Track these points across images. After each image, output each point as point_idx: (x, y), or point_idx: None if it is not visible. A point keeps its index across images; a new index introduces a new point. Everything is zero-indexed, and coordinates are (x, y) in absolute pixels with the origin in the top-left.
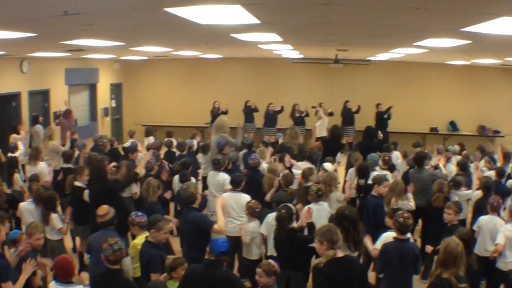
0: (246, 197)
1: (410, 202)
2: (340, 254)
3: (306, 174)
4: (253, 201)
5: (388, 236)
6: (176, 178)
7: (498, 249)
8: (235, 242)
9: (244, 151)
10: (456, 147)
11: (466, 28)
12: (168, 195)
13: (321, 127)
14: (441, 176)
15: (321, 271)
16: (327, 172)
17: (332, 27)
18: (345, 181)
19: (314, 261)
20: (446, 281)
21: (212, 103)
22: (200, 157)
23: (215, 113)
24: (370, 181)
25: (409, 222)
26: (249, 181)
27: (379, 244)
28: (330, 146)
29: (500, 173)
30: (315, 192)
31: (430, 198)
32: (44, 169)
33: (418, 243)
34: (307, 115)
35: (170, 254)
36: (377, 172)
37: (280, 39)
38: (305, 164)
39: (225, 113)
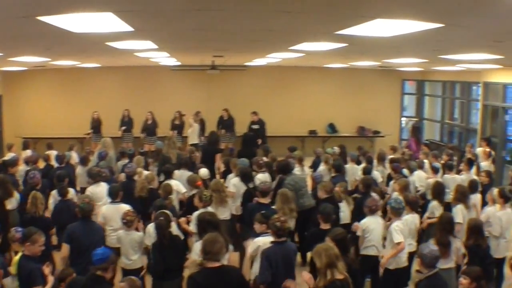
0: (126, 207)
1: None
2: (214, 264)
3: (191, 182)
4: (128, 210)
5: (260, 240)
6: (55, 191)
7: (401, 247)
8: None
9: (125, 161)
10: (336, 149)
11: (341, 31)
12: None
13: (192, 134)
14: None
15: (193, 279)
16: (215, 180)
17: (206, 33)
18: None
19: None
20: (340, 281)
21: (92, 113)
22: (79, 168)
23: (95, 124)
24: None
25: (286, 226)
26: (125, 189)
27: (250, 249)
28: (208, 152)
29: (366, 171)
30: (209, 197)
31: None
32: None
33: None
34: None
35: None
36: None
37: (156, 46)
38: (183, 173)
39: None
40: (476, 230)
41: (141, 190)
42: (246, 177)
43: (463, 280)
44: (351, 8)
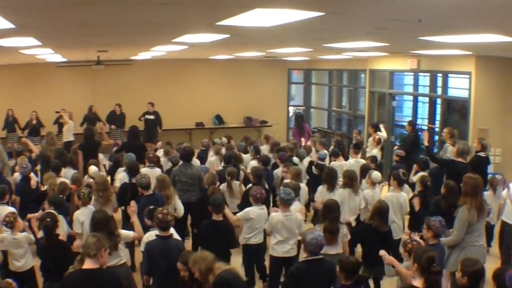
0: (9, 209)
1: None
2: (91, 265)
3: (75, 180)
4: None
5: (151, 234)
6: None
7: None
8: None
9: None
10: (224, 139)
11: (221, 22)
12: None
13: (67, 132)
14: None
15: (64, 282)
16: (101, 176)
17: (87, 28)
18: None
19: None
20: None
21: None
22: None
23: None
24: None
25: (168, 218)
26: (22, 190)
27: (142, 245)
28: (87, 149)
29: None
30: (87, 195)
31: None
32: None
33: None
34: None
35: None
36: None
37: (39, 43)
38: (68, 171)
39: None
40: (379, 212)
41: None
42: (132, 171)
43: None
44: None
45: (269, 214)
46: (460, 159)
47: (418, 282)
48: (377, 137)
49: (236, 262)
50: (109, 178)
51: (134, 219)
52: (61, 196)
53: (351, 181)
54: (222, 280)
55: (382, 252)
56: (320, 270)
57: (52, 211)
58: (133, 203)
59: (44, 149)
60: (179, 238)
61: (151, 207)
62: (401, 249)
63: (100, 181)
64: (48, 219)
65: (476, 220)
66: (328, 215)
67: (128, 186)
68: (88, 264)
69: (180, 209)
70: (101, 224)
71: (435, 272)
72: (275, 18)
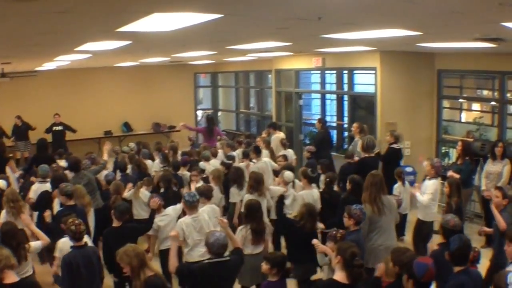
0: None
1: None
2: (13, 278)
3: None
4: None
5: (64, 242)
6: None
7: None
8: None
9: None
10: (132, 145)
11: (121, 28)
12: None
13: None
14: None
15: None
16: (10, 189)
17: None
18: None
19: None
20: (155, 276)
21: None
22: None
23: None
24: None
25: (82, 228)
26: None
27: (57, 253)
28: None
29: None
30: None
31: None
32: None
33: None
34: None
35: None
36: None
37: None
38: None
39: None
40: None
41: None
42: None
43: (264, 266)
44: (124, 3)
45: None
46: (366, 154)
47: (339, 275)
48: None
49: None
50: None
51: (32, 228)
52: None
53: (258, 184)
54: (154, 284)
55: (315, 241)
56: (224, 271)
57: None
58: (23, 216)
59: None
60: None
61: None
62: (329, 243)
63: (10, 192)
64: None
65: (378, 218)
66: (253, 215)
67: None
68: (10, 278)
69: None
70: (8, 235)
71: (358, 265)
72: (174, 22)
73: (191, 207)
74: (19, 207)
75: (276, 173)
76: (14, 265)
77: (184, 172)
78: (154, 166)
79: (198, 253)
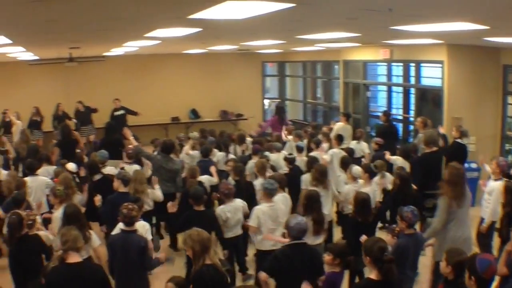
0: None
1: (157, 192)
2: (73, 258)
3: (56, 173)
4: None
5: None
6: None
7: (252, 230)
8: None
9: None
10: (195, 133)
11: (193, 15)
12: None
13: (16, 132)
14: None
15: (48, 277)
16: (63, 174)
17: (58, 24)
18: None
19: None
20: (210, 266)
21: None
22: None
23: None
24: None
25: (133, 214)
26: None
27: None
28: (66, 146)
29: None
30: (63, 192)
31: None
32: None
33: None
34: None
35: None
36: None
37: (10, 41)
38: (48, 168)
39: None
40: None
41: (8, 189)
42: (92, 169)
43: (327, 256)
44: None
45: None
46: (428, 149)
47: (372, 274)
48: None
49: None
50: None
51: None
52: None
53: (322, 176)
54: (203, 276)
55: (364, 238)
56: (302, 255)
57: (18, 210)
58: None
59: (16, 146)
60: (146, 236)
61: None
62: (388, 236)
63: (63, 178)
64: (13, 217)
65: (456, 209)
66: (312, 205)
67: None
68: (73, 258)
69: (160, 196)
70: (72, 217)
71: (388, 260)
72: (246, 11)
73: (269, 194)
74: (70, 194)
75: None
76: (80, 248)
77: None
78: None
79: (270, 242)
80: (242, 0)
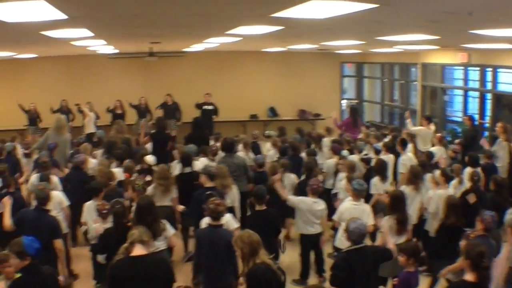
0: (58, 195)
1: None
2: (140, 251)
3: (127, 168)
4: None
5: (202, 222)
6: None
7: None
8: None
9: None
10: (272, 132)
11: (276, 13)
12: None
13: (88, 123)
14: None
15: (112, 268)
16: (161, 166)
17: (141, 19)
18: None
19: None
20: (263, 264)
21: (28, 105)
22: (24, 161)
23: (31, 116)
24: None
25: (220, 209)
26: (71, 180)
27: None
28: (159, 139)
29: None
30: (142, 187)
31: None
32: None
33: None
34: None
35: None
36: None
37: (92, 34)
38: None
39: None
40: (454, 207)
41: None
42: (185, 161)
43: (401, 258)
44: None
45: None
46: None
47: (469, 276)
48: (439, 134)
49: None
50: None
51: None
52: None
53: (415, 178)
54: (256, 274)
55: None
56: (364, 259)
57: (120, 199)
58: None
59: (112, 136)
60: (232, 228)
61: (209, 192)
62: (463, 242)
63: (160, 170)
64: (118, 206)
65: None
66: (397, 205)
67: (180, 176)
68: (139, 251)
69: (236, 199)
70: (144, 210)
71: (484, 267)
72: (329, 10)
73: (358, 195)
74: (168, 184)
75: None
76: (147, 242)
77: (333, 160)
78: None
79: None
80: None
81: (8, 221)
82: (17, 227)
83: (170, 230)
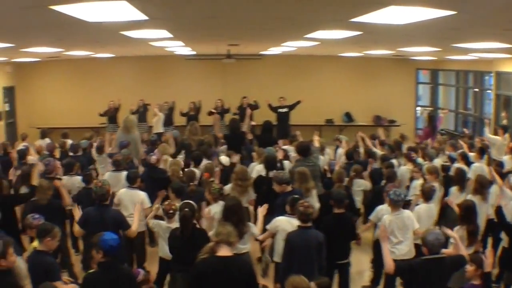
0: (141, 194)
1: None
2: (225, 252)
3: (210, 170)
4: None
5: (280, 219)
6: (76, 179)
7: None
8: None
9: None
10: (343, 136)
11: (355, 18)
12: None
13: (157, 124)
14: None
15: (197, 268)
16: (240, 166)
17: (220, 21)
18: None
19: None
20: None
21: (107, 103)
22: (96, 157)
23: (111, 113)
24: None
25: (309, 211)
26: (145, 178)
27: (270, 225)
28: (233, 140)
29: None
30: (218, 190)
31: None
32: None
33: None
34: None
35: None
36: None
37: (171, 35)
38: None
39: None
40: None
41: (173, 175)
42: (271, 164)
43: (469, 267)
44: None
45: None
46: None
47: None
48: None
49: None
50: None
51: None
52: (190, 183)
53: (482, 188)
54: None
55: None
56: (440, 270)
57: (190, 201)
58: (265, 206)
59: (185, 137)
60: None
61: (296, 196)
62: None
63: (240, 171)
64: (187, 209)
65: None
66: (468, 216)
67: (264, 179)
68: (224, 251)
69: (316, 203)
70: (231, 211)
71: None
72: (407, 16)
73: (395, 205)
74: (246, 185)
75: None
76: (233, 243)
77: (407, 167)
78: None
79: (400, 252)
80: (406, 5)
81: (76, 227)
82: (83, 228)
83: (255, 233)
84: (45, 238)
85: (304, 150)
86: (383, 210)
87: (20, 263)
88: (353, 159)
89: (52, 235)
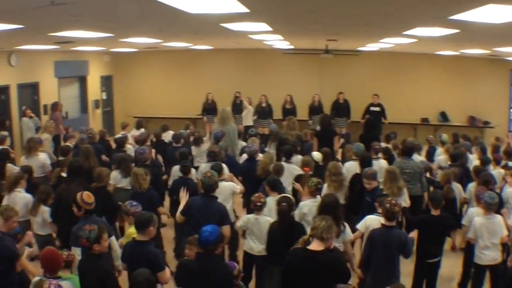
0: (228, 185)
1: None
2: (317, 247)
3: (308, 163)
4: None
5: (371, 218)
6: (176, 168)
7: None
8: None
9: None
10: (444, 136)
11: (453, 16)
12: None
13: (246, 117)
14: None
15: (286, 255)
16: (333, 162)
17: (319, 15)
18: None
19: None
20: None
21: (205, 94)
22: (193, 149)
23: (209, 105)
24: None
25: (395, 210)
26: (244, 170)
27: (361, 224)
28: (324, 136)
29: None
30: (315, 184)
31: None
32: (46, 160)
33: None
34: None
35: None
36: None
37: (270, 28)
38: (295, 156)
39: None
40: None
41: (262, 170)
42: (365, 161)
43: None
44: None
45: None
46: None
47: None
48: None
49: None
50: None
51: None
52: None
53: None
54: None
55: None
56: None
57: (288, 195)
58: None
59: (283, 132)
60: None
61: (385, 193)
62: None
63: (333, 166)
64: (284, 204)
65: None
66: None
67: (357, 177)
68: (315, 246)
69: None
70: (328, 208)
71: None
72: (506, 15)
73: (488, 208)
74: (341, 180)
75: None
76: (327, 239)
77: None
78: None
79: (487, 257)
80: (504, 4)
81: (177, 214)
82: (186, 216)
83: (348, 235)
84: (148, 228)
85: (408, 151)
86: (473, 213)
87: (115, 245)
88: (457, 161)
89: (154, 223)
